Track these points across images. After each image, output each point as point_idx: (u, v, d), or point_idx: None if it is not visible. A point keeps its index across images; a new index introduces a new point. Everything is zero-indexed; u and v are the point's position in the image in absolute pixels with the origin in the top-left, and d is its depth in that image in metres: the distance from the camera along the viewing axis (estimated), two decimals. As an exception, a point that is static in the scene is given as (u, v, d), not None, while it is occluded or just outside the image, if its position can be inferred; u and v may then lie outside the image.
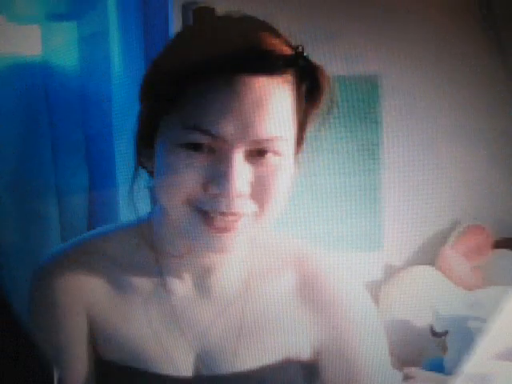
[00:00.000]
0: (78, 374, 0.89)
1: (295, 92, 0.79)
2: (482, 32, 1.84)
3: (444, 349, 1.71)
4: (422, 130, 1.47)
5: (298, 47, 0.79)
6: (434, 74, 1.56)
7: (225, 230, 0.78)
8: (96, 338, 0.89)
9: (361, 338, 0.90)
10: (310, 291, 0.90)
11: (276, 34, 0.79)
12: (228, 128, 0.75)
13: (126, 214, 0.93)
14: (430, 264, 1.97)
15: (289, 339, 0.90)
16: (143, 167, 0.87)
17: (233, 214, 0.78)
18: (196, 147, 0.77)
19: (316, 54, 0.81)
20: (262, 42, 0.76)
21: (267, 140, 0.77)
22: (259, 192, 0.78)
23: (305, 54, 0.79)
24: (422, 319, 1.78)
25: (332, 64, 0.83)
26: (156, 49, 0.83)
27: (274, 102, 0.76)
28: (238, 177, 0.76)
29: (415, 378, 1.59)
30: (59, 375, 0.88)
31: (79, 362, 0.89)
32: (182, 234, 0.82)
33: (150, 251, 0.89)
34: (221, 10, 0.84)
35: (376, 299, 1.77)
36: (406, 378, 1.58)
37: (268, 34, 0.78)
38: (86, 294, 0.88)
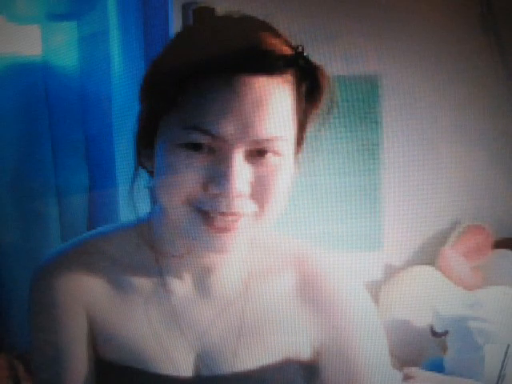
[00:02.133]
0: (78, 374, 0.89)
1: (295, 92, 0.79)
2: (482, 32, 1.84)
3: (444, 349, 1.71)
4: (422, 130, 1.47)
5: (298, 47, 0.79)
6: (433, 74, 1.56)
7: (225, 230, 0.78)
8: (96, 337, 0.89)
9: (361, 337, 0.90)
10: (309, 291, 0.90)
11: (276, 34, 0.79)
12: (228, 128, 0.75)
13: (126, 214, 0.93)
14: (430, 264, 1.97)
15: (289, 339, 0.90)
16: (143, 167, 0.86)
17: (233, 214, 0.78)
18: (196, 147, 0.77)
19: (316, 54, 0.81)
20: (262, 42, 0.76)
21: (267, 140, 0.77)
22: (259, 192, 0.78)
23: (305, 54, 0.79)
24: (422, 319, 1.78)
25: (332, 64, 0.83)
26: (156, 49, 0.83)
27: (273, 101, 0.76)
28: (238, 177, 0.76)
29: (415, 378, 1.59)
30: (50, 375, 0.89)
31: (79, 362, 0.89)
32: (182, 234, 0.82)
33: (149, 251, 0.89)
34: (221, 10, 0.84)
35: (376, 299, 1.77)
36: (406, 378, 1.59)
37: (268, 33, 0.78)
38: (85, 294, 0.88)
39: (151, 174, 0.85)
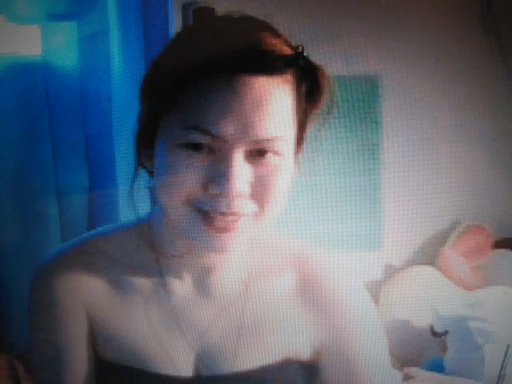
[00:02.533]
0: (78, 374, 0.89)
1: (295, 92, 0.79)
2: (482, 32, 1.84)
3: (444, 349, 1.71)
4: (422, 130, 1.47)
5: (298, 47, 0.79)
6: (433, 74, 1.56)
7: (225, 230, 0.78)
8: (96, 337, 0.89)
9: (361, 337, 0.90)
10: (309, 291, 0.90)
11: (276, 34, 0.79)
12: (228, 128, 0.75)
13: (126, 214, 0.93)
14: (430, 264, 1.97)
15: (289, 339, 0.90)
16: (143, 167, 0.87)
17: (233, 214, 0.78)
18: (196, 147, 0.77)
19: (316, 54, 0.81)
20: (262, 42, 0.76)
21: (267, 140, 0.77)
22: (259, 192, 0.78)
23: (305, 54, 0.79)
24: (422, 319, 1.78)
25: (332, 64, 0.83)
26: (156, 49, 0.83)
27: (273, 102, 0.76)
28: (238, 177, 0.76)
29: (415, 378, 1.59)
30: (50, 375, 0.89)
31: (79, 362, 0.89)
32: (182, 234, 0.82)
33: (149, 251, 0.89)
34: (221, 10, 0.84)
35: (376, 299, 1.77)
36: (406, 378, 1.59)
37: (268, 33, 0.78)
38: (85, 294, 0.88)
39: (151, 174, 0.85)
